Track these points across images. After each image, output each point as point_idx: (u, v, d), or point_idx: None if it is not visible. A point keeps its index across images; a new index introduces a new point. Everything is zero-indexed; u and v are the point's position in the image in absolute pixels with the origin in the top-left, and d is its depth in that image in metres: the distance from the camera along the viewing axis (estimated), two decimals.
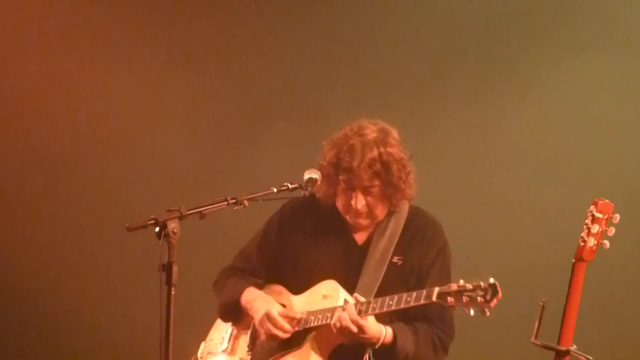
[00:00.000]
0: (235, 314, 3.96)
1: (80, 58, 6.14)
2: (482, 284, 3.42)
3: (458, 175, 5.76)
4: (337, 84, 5.92)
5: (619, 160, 5.64)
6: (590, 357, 3.57)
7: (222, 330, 4.06)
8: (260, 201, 3.66)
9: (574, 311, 3.59)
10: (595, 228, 3.58)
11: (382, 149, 3.75)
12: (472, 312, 3.43)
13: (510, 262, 5.65)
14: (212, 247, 5.66)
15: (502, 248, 5.66)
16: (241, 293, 3.94)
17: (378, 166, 3.74)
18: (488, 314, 3.42)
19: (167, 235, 3.26)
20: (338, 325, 3.63)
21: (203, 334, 4.12)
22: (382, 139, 3.78)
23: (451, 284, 3.48)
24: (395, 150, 3.78)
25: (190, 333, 3.94)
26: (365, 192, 3.77)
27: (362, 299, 3.69)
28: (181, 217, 3.32)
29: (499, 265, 5.64)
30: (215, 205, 3.51)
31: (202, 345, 4.08)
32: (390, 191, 3.78)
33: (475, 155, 5.77)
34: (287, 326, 3.76)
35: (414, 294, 3.56)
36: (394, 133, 3.84)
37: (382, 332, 3.69)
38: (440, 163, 5.78)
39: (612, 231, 3.59)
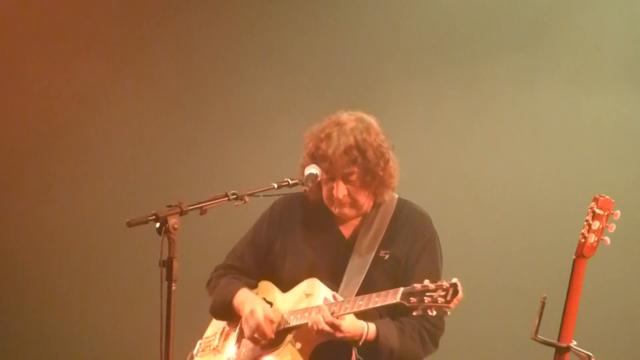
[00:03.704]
0: (228, 314, 3.97)
1: (81, 58, 6.15)
2: (444, 283, 3.40)
3: (457, 171, 5.76)
4: (338, 82, 5.91)
5: (620, 157, 5.63)
6: (590, 354, 3.57)
7: (216, 327, 4.08)
8: (261, 197, 3.67)
9: (575, 307, 3.59)
10: (596, 224, 3.57)
11: (358, 136, 3.76)
12: (434, 312, 3.41)
13: (511, 258, 5.65)
14: (212, 242, 5.65)
15: (503, 245, 5.65)
16: (234, 294, 3.94)
17: (354, 152, 3.74)
18: (448, 314, 3.41)
19: (167, 231, 3.25)
20: (315, 328, 3.63)
21: (203, 330, 4.12)
22: (359, 127, 3.79)
23: (415, 285, 3.45)
24: (372, 137, 3.78)
25: (191, 328, 3.94)
26: (345, 180, 3.78)
27: (340, 298, 3.71)
28: (182, 213, 3.32)
29: (500, 262, 5.65)
30: (216, 200, 3.51)
31: (199, 343, 4.09)
32: (369, 178, 3.78)
33: (475, 151, 5.77)
34: (267, 331, 3.77)
35: (381, 294, 3.55)
36: (373, 122, 3.85)
37: (364, 329, 3.67)
38: (440, 159, 5.77)
39: (612, 228, 3.59)
